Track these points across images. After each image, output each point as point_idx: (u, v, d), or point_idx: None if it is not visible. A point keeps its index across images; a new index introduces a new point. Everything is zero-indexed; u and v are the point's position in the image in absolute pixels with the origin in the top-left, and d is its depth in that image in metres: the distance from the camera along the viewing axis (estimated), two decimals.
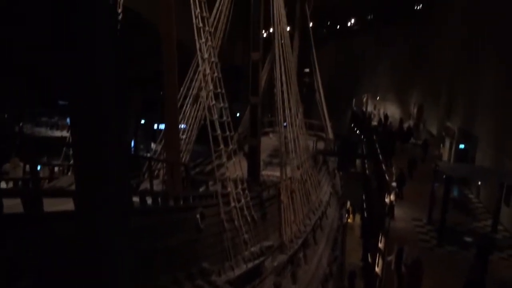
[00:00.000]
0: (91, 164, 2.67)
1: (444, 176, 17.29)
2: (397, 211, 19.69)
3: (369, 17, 55.22)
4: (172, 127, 10.36)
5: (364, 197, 31.17)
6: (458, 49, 30.69)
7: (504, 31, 21.64)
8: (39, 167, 12.00)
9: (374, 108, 53.31)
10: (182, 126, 13.99)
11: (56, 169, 12.09)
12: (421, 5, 47.63)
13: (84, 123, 2.48)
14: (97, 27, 2.03)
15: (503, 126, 20.84)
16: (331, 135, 29.86)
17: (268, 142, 22.66)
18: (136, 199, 6.74)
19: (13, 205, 4.22)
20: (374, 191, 25.72)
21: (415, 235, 17.69)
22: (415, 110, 42.72)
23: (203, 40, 9.25)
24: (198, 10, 9.12)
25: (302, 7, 27.10)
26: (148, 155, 20.23)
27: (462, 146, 26.57)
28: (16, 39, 26.87)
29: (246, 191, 10.74)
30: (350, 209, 32.97)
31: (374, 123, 44.73)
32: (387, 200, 20.12)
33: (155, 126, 43.26)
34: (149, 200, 7.22)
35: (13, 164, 12.32)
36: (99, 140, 2.55)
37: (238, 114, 36.33)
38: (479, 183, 22.57)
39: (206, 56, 9.33)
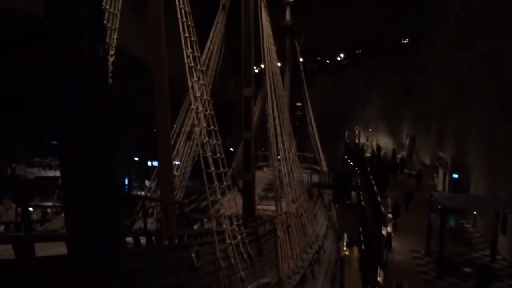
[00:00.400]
0: (81, 206, 2.65)
1: (439, 207, 17.27)
2: (395, 243, 19.52)
3: (357, 52, 56.49)
4: (166, 164, 10.36)
5: (361, 229, 30.93)
6: (446, 81, 31.30)
7: (492, 63, 22.16)
8: (31, 209, 11.85)
9: (367, 140, 53.75)
10: (176, 162, 13.99)
11: (49, 209, 11.94)
12: (407, 40, 48.89)
13: (74, 165, 2.48)
14: (87, 72, 2.07)
15: (494, 156, 21.03)
16: (325, 168, 29.92)
17: (262, 176, 22.65)
18: (130, 239, 6.65)
19: (3, 250, 4.15)
20: (371, 223, 25.56)
21: (414, 267, 17.48)
22: (408, 141, 43.10)
23: (195, 78, 9.39)
24: (190, 50, 9.31)
25: (291, 44, 27.69)
26: (142, 193, 20.08)
27: (455, 175, 26.68)
28: (6, 79, 27.13)
29: (242, 228, 10.64)
30: (348, 242, 32.66)
31: (368, 154, 44.98)
32: (383, 232, 19.99)
33: (149, 163, 43.14)
34: (143, 240, 7.13)
35: (6, 206, 12.17)
36: (89, 182, 2.55)
37: (231, 149, 36.42)
38: (475, 212, 22.56)
39: (198, 94, 9.45)
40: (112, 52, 9.37)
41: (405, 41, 49.39)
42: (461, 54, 27.74)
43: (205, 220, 11.24)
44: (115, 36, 9.42)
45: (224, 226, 9.96)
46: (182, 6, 9.31)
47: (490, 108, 22.17)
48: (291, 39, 27.87)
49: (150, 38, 9.75)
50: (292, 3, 26.10)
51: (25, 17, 19.22)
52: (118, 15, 9.38)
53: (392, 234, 19.61)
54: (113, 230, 2.90)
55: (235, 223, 10.42)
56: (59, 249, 4.24)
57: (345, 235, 33.17)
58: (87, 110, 2.23)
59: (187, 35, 9.32)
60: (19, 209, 8.23)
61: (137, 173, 47.67)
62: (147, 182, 31.55)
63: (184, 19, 9.35)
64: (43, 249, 4.70)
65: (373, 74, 52.75)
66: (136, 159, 47.78)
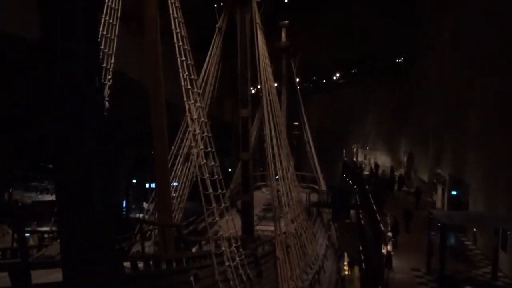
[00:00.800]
0: (77, 231, 2.65)
1: (439, 224, 17.21)
2: (395, 262, 19.38)
3: (353, 71, 57.03)
4: (163, 186, 10.35)
5: (361, 248, 30.69)
6: (442, 98, 31.55)
7: (488, 80, 22.38)
8: (28, 235, 11.76)
9: (365, 158, 53.78)
10: (174, 184, 13.97)
11: (46, 235, 11.84)
12: (402, 58, 49.46)
13: (69, 189, 2.49)
14: (83, 102, 2.11)
15: (492, 172, 21.06)
16: (323, 187, 29.87)
17: (261, 196, 22.57)
18: (127, 264, 6.60)
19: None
20: (371, 242, 25.39)
21: (415, 285, 17.31)
22: (405, 158, 43.15)
23: (192, 101, 9.47)
24: (186, 73, 9.41)
25: (288, 64, 27.99)
26: (140, 215, 19.99)
27: (454, 192, 26.65)
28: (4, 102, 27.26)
29: (241, 249, 10.57)
30: (349, 261, 32.36)
31: (366, 172, 44.96)
32: (384, 250, 19.85)
33: (147, 185, 43.00)
34: (141, 264, 7.08)
35: (2, 232, 12.07)
36: (85, 206, 2.55)
37: (230, 169, 36.38)
38: (474, 229, 22.47)
39: (195, 116, 9.52)
40: (110, 77, 9.47)
41: (400, 60, 49.97)
42: (456, 71, 28.05)
43: (203, 242, 11.17)
44: (112, 61, 9.53)
45: (223, 248, 9.90)
46: (178, 30, 9.45)
47: (487, 124, 22.31)
48: (287, 60, 28.19)
49: (147, 61, 9.87)
50: (288, 25, 26.50)
51: (23, 41, 19.43)
52: (115, 40, 9.51)
53: (392, 253, 19.47)
54: (109, 256, 2.90)
55: (233, 244, 10.36)
56: (56, 275, 4.22)
57: (345, 254, 32.88)
58: (82, 136, 2.26)
59: (183, 58, 9.43)
60: (16, 235, 8.18)
61: (135, 195, 47.50)
62: (145, 204, 31.43)
63: (181, 43, 9.48)
64: (40, 276, 4.67)
65: (369, 93, 53.15)
66: (134, 181, 47.66)
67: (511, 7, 19.71)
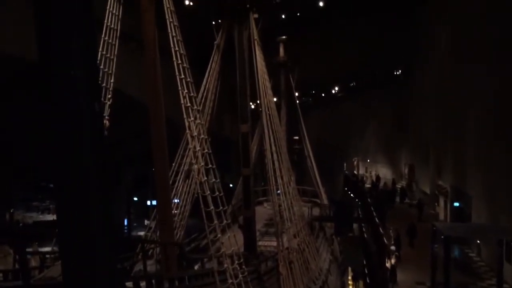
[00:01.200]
0: (77, 251, 2.64)
1: (442, 237, 17.10)
2: (399, 275, 19.21)
3: (351, 84, 57.31)
4: (165, 203, 10.32)
5: (365, 261, 30.43)
6: (440, 109, 31.64)
7: (486, 90, 22.47)
8: (29, 256, 11.68)
9: (366, 171, 53.69)
10: (176, 201, 13.93)
11: (47, 255, 11.77)
12: (400, 71, 49.75)
13: (69, 208, 2.49)
14: (82, 126, 2.12)
15: (493, 182, 21.01)
16: (325, 201, 29.75)
17: (262, 212, 22.48)
18: (129, 283, 6.56)
19: None
20: (374, 255, 25.20)
21: None
22: (406, 170, 43.08)
23: (192, 118, 9.50)
24: (186, 90, 9.46)
25: (286, 79, 28.16)
26: (142, 233, 19.88)
27: (456, 204, 26.54)
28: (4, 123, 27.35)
29: (243, 266, 10.48)
30: (353, 275, 32.00)
31: (368, 185, 44.84)
32: (387, 264, 19.68)
33: (148, 202, 42.82)
34: (143, 283, 7.03)
35: (3, 253, 12.00)
36: (85, 226, 2.54)
37: (231, 185, 36.27)
38: (478, 241, 22.31)
39: (195, 133, 9.54)
40: (110, 96, 9.52)
41: (397, 72, 50.26)
42: (453, 83, 28.18)
43: (205, 259, 11.09)
44: (112, 80, 9.59)
45: (225, 265, 9.82)
46: (177, 48, 9.53)
47: (486, 135, 22.33)
48: (285, 75, 28.36)
49: (147, 79, 9.94)
50: (285, 40, 26.73)
51: (23, 62, 19.56)
52: (115, 60, 9.59)
53: (396, 266, 19.30)
54: (111, 275, 2.88)
55: (236, 261, 10.28)
56: None
57: (349, 268, 32.58)
58: (82, 159, 2.26)
59: (182, 76, 9.50)
60: (17, 257, 8.14)
61: (137, 212, 47.28)
62: (146, 222, 31.28)
63: (179, 61, 9.55)
64: None
65: (369, 106, 53.32)
66: (135, 198, 47.50)
67: (507, 21, 19.90)
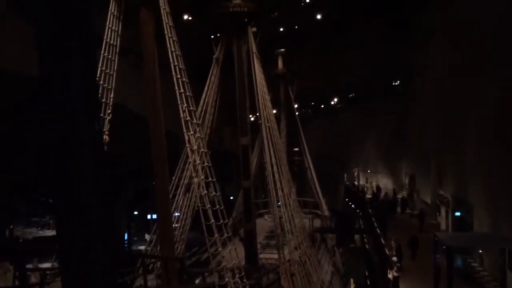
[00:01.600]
0: (77, 267, 2.64)
1: (444, 247, 17.01)
2: (402, 286, 19.06)
3: (350, 95, 57.56)
4: (165, 217, 10.30)
5: (367, 273, 30.23)
6: (440, 119, 31.71)
7: (485, 99, 22.54)
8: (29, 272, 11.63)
9: (366, 181, 53.63)
10: (176, 214, 13.91)
11: (48, 271, 11.71)
12: (398, 81, 49.98)
13: (69, 224, 2.50)
14: (82, 145, 2.14)
15: (494, 191, 20.96)
16: (326, 212, 29.67)
17: (263, 224, 22.44)
18: None
19: None
20: (377, 266, 25.04)
21: None
22: (407, 180, 43.00)
23: (192, 132, 9.54)
24: (185, 104, 9.52)
25: (285, 91, 28.31)
26: (143, 247, 19.81)
27: (458, 213, 26.44)
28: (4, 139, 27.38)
29: (245, 280, 10.42)
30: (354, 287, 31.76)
31: (368, 196, 44.75)
32: (389, 275, 19.54)
33: (149, 216, 42.68)
34: None
35: (3, 269, 11.95)
36: (85, 242, 2.55)
37: (231, 197, 36.21)
38: (480, 251, 22.19)
39: (195, 147, 9.57)
40: (109, 111, 9.57)
41: (396, 83, 50.49)
42: (452, 90, 28.28)
43: (206, 274, 11.04)
44: (112, 95, 9.65)
45: (227, 279, 9.77)
46: (176, 63, 9.61)
47: (486, 143, 22.35)
48: (284, 87, 28.53)
49: (146, 93, 10.00)
50: (284, 53, 26.93)
51: (23, 78, 19.65)
52: (114, 75, 9.66)
53: (398, 278, 19.14)
54: None
55: (237, 275, 10.23)
56: None
57: (351, 280, 32.37)
58: (82, 176, 2.28)
59: (182, 90, 9.56)
60: (17, 273, 8.11)
61: (137, 227, 47.11)
62: (147, 236, 31.15)
63: (179, 76, 9.62)
64: None
65: (368, 116, 53.47)
66: (136, 212, 47.35)
67: (502, 33, 20.05)
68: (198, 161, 9.51)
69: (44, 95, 2.19)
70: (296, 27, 49.55)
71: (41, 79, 2.10)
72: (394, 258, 21.15)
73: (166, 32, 9.71)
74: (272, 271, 13.76)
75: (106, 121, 9.56)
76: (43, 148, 2.30)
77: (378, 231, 26.59)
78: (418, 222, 29.00)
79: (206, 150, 9.92)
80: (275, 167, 15.44)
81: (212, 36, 16.11)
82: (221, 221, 9.91)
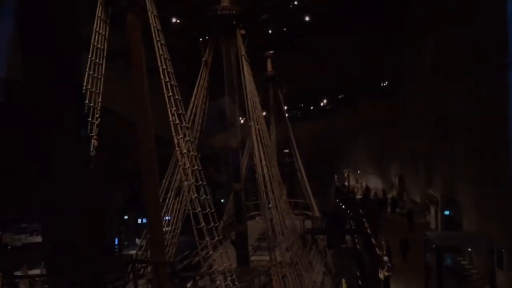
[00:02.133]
0: (65, 273, 2.63)
1: (434, 246, 17.16)
2: (393, 286, 19.17)
3: (340, 96, 57.85)
4: (155, 221, 10.25)
5: (358, 273, 30.34)
6: (428, 119, 31.99)
7: (474, 100, 22.78)
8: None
9: (357, 182, 53.89)
10: (167, 218, 13.85)
11: (37, 278, 11.58)
12: (386, 82, 50.34)
13: (56, 233, 2.48)
14: (69, 151, 2.13)
15: (483, 190, 21.17)
16: (317, 213, 29.71)
17: (255, 226, 22.36)
18: None
19: None
20: (368, 267, 25.17)
21: None
22: (397, 181, 43.31)
23: (181, 135, 9.52)
24: (174, 108, 9.49)
25: (274, 93, 28.33)
26: (133, 252, 19.69)
27: (447, 212, 26.68)
28: None
29: (236, 282, 10.41)
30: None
31: (359, 196, 44.97)
32: (381, 275, 19.66)
33: (139, 220, 42.39)
34: None
35: None
36: (72, 249, 2.54)
37: (222, 200, 36.13)
38: (469, 249, 22.39)
39: (184, 150, 9.55)
40: (97, 115, 9.51)
41: (384, 84, 50.84)
42: (439, 92, 28.56)
43: (198, 277, 11.01)
44: (100, 99, 9.60)
45: (218, 282, 9.75)
46: (164, 67, 9.58)
47: (474, 142, 22.57)
48: (274, 89, 28.53)
49: (135, 97, 9.95)
50: (272, 55, 26.96)
51: (10, 85, 19.44)
52: (102, 79, 9.61)
53: (389, 278, 19.26)
54: None
55: (229, 278, 10.21)
56: None
57: (343, 280, 32.47)
58: (69, 182, 2.27)
59: (170, 94, 9.54)
60: (5, 280, 8.01)
61: (127, 231, 46.75)
62: (137, 240, 30.95)
63: (167, 79, 9.60)
64: None
65: (357, 117, 53.74)
66: (126, 217, 47.01)
67: (488, 35, 20.30)
68: (188, 165, 9.49)
69: (27, 99, 2.17)
70: (285, 29, 49.74)
71: (24, 83, 2.09)
72: (385, 258, 21.29)
73: (154, 35, 9.68)
74: (263, 273, 13.75)
75: (94, 126, 9.50)
76: (30, 155, 2.28)
77: (369, 231, 26.74)
78: (407, 221, 29.23)
79: (195, 154, 9.90)
80: (265, 169, 15.45)
81: (201, 39, 16.09)
82: (212, 224, 9.90)
